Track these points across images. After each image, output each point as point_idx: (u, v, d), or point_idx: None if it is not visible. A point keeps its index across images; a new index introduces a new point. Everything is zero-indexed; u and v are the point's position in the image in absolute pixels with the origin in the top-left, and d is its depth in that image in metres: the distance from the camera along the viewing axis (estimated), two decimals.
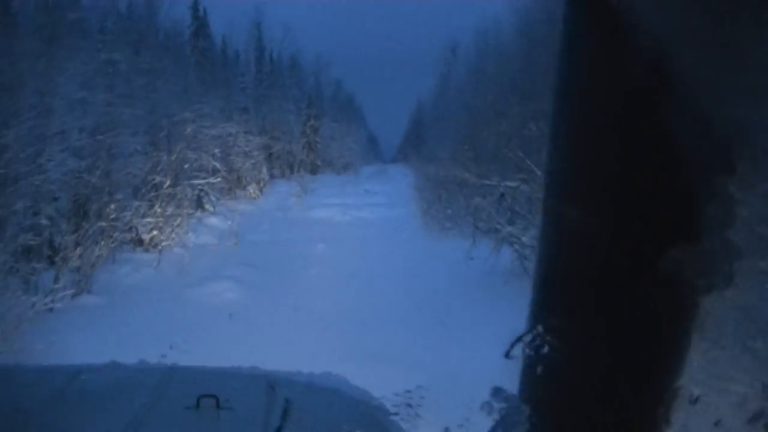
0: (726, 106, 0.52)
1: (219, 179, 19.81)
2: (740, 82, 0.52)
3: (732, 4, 0.52)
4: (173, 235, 15.18)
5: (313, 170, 36.40)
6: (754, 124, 0.52)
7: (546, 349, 0.70)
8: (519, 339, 0.72)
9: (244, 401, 1.62)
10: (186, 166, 17.53)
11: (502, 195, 12.49)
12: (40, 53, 10.35)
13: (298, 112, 34.93)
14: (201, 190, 19.90)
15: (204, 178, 19.54)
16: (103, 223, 11.50)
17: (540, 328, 0.70)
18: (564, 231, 0.67)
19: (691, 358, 0.66)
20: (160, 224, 14.71)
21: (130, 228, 14.16)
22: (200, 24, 27.94)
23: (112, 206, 11.93)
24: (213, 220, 19.64)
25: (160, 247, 14.06)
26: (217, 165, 20.63)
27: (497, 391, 0.77)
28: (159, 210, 14.82)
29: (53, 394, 1.62)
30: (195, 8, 28.10)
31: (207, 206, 20.59)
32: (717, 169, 0.54)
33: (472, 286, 11.35)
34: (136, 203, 13.92)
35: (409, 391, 6.52)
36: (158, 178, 15.01)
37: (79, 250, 10.54)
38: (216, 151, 21.34)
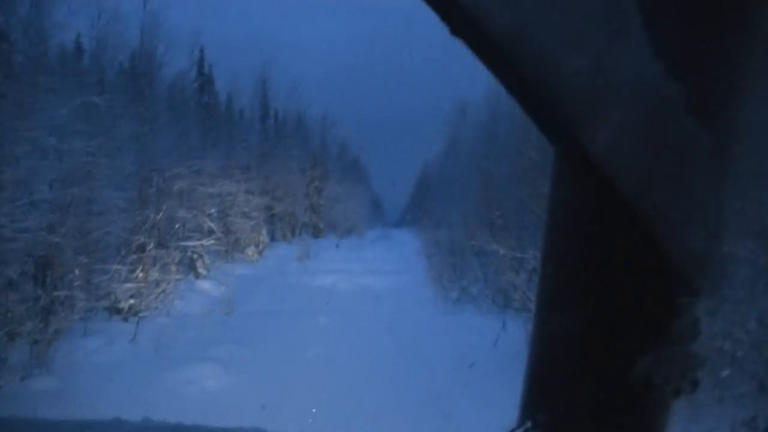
0: (690, 243, 0.60)
1: (213, 241, 18.25)
2: (701, 219, 0.60)
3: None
4: (157, 302, 13.49)
5: (316, 233, 35.13)
6: (715, 257, 0.61)
7: None
8: None
9: None
10: (177, 225, 16.04)
11: (534, 269, 10.84)
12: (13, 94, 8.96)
13: (302, 173, 33.79)
14: (194, 252, 18.46)
15: (198, 239, 18.16)
16: (66, 292, 9.77)
17: (528, 424, 0.71)
18: (551, 333, 0.71)
19: None
20: (142, 290, 13.01)
21: (108, 294, 12.51)
22: (205, 80, 27.15)
23: (77, 271, 10.16)
24: (206, 286, 18.09)
25: (138, 317, 12.30)
26: (213, 226, 19.20)
27: None
28: (141, 275, 13.15)
29: None
30: (200, 64, 27.44)
31: (200, 270, 19.10)
32: (683, 292, 0.62)
33: (500, 381, 9.57)
34: (115, 267, 12.24)
35: None
36: (142, 239, 13.40)
37: (30, 324, 8.81)
38: (213, 210, 20.05)
